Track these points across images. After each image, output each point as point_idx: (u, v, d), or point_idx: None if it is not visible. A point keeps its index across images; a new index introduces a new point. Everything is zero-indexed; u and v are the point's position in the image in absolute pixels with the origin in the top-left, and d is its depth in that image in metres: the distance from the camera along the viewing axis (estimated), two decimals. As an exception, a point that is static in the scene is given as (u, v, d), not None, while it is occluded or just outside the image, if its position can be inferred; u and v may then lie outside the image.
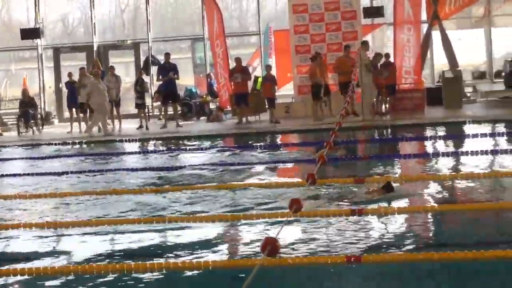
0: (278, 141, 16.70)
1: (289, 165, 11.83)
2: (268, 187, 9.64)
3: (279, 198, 8.81)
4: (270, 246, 3.74)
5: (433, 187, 9.16)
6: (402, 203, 8.41)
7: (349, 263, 6.14)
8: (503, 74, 21.02)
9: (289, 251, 6.68)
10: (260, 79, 20.91)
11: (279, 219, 7.08)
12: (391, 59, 19.75)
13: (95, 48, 24.22)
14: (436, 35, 21.65)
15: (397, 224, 7.75)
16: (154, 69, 22.45)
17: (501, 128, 15.84)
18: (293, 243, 6.95)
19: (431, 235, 7.45)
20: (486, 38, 23.40)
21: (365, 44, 18.97)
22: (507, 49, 22.76)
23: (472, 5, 22.82)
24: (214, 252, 6.90)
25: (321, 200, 8.77)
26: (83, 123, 19.86)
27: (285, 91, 22.43)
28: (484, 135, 14.16)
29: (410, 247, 6.76)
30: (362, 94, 18.05)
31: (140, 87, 20.01)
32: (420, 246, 6.81)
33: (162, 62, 20.86)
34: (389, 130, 16.78)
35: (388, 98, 19.28)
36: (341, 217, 7.82)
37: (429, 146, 13.59)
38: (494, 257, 6.04)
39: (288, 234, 7.22)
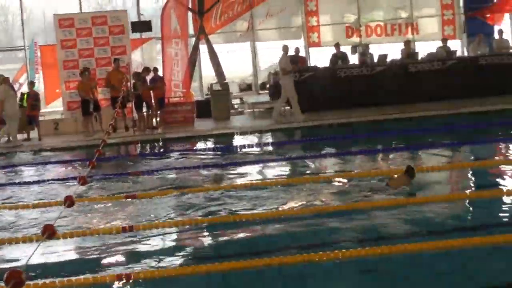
0: (44, 159, 16.00)
1: (53, 184, 11.48)
2: (26, 208, 9.35)
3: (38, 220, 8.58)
4: (14, 279, 3.52)
5: (204, 198, 9.34)
6: (176, 217, 8.50)
7: (119, 281, 6.11)
8: (267, 86, 21.93)
9: (58, 273, 6.49)
10: (26, 96, 20.17)
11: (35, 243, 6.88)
12: (160, 73, 19.90)
13: None
14: (203, 48, 22.18)
15: (169, 239, 7.79)
16: None
17: (267, 137, 16.55)
18: (59, 265, 6.77)
19: (203, 247, 7.52)
20: (251, 52, 24.35)
21: (284, 48, 18.87)
22: (271, 62, 23.76)
23: (237, 20, 23.66)
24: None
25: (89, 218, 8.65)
26: None
27: (54, 107, 21.84)
28: (250, 145, 14.76)
29: (182, 261, 6.83)
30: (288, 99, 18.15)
31: None
32: (192, 259, 6.90)
33: None
34: (160, 143, 16.89)
35: (158, 112, 19.41)
36: (111, 234, 7.76)
37: (198, 158, 13.80)
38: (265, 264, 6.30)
39: (55, 255, 7.05)
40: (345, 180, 9.94)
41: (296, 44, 22.37)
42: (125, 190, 10.28)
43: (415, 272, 6.12)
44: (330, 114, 18.19)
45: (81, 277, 6.32)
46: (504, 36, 21.59)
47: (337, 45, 20.97)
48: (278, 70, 20.26)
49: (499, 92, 19.19)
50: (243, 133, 17.04)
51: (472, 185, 9.57)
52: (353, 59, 21.12)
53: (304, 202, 8.73)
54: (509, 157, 11.75)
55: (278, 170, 11.69)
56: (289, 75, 18.27)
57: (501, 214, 7.90)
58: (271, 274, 6.25)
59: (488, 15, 23.67)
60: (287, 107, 20.12)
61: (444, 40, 21.65)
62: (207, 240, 7.65)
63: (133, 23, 21.20)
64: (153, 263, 6.77)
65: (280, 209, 8.50)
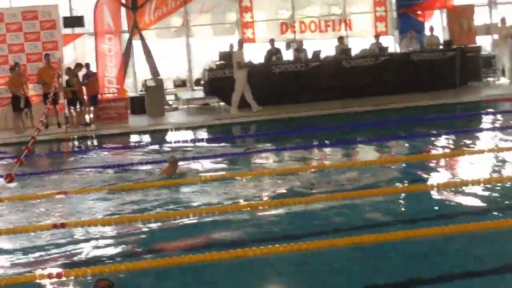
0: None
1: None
2: None
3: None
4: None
5: (139, 195, 9.28)
6: (109, 214, 8.43)
7: (50, 279, 6.02)
8: (202, 82, 21.85)
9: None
10: None
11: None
12: (93, 69, 19.65)
13: None
14: (137, 44, 21.98)
15: (102, 236, 7.69)
16: None
17: (202, 133, 16.53)
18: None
19: (136, 244, 7.41)
20: (186, 48, 24.21)
21: (239, 42, 19.05)
22: (205, 58, 23.67)
23: (171, 16, 23.49)
24: None
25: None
26: None
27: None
28: (185, 141, 14.72)
29: (115, 258, 6.76)
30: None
31: None
32: (125, 256, 6.84)
33: None
34: (94, 140, 16.69)
35: (91, 108, 19.18)
36: (42, 232, 7.65)
37: (132, 155, 13.66)
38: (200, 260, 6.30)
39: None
40: (280, 175, 10.00)
41: (231, 40, 22.32)
42: (56, 187, 10.12)
43: (352, 265, 6.21)
44: (264, 110, 18.28)
45: (10, 276, 6.21)
46: (435, 33, 22.01)
47: (271, 41, 21.03)
48: (210, 66, 20.23)
49: (429, 88, 19.60)
50: (178, 129, 16.98)
51: (403, 179, 9.70)
52: (288, 55, 21.22)
53: (237, 198, 8.75)
54: (439, 151, 11.99)
55: (213, 166, 11.66)
56: (243, 69, 18.34)
57: (429, 207, 8.06)
58: (206, 269, 6.25)
59: (419, 12, 24.12)
60: (222, 103, 20.16)
61: (377, 36, 21.96)
62: (141, 237, 7.58)
63: (65, 18, 20.86)
64: (85, 260, 6.70)
65: (215, 205, 8.50)
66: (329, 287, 5.76)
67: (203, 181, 10.01)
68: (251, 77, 18.89)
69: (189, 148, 13.67)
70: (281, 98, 19.22)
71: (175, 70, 24.43)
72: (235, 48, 19.40)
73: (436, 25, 23.34)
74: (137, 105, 20.19)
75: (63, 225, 7.76)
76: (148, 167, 11.63)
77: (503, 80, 21.75)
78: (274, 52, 20.61)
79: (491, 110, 16.83)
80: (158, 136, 16.38)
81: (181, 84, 24.01)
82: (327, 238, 6.77)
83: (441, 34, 23.53)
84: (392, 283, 5.70)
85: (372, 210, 7.91)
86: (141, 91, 21.65)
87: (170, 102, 21.89)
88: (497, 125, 14.77)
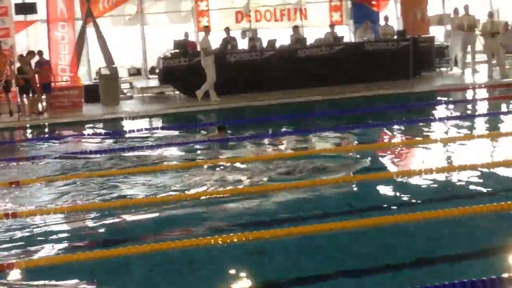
0: None
1: None
2: None
3: None
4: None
5: (93, 183, 9.20)
6: (63, 203, 8.34)
7: (2, 272, 5.94)
8: (157, 70, 21.73)
9: None
10: None
11: None
12: (47, 57, 19.40)
13: None
14: (91, 32, 21.73)
15: (55, 226, 7.60)
16: None
17: (157, 122, 16.45)
18: None
19: (91, 234, 7.34)
20: (141, 36, 24.03)
21: (205, 29, 19.12)
22: (160, 46, 23.53)
23: (125, 3, 23.27)
24: None
25: None
26: None
27: None
28: (140, 130, 14.64)
29: (68, 248, 6.70)
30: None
31: None
32: (78, 246, 6.77)
33: None
34: (47, 129, 16.48)
35: (44, 97, 18.92)
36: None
37: (86, 144, 13.52)
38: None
39: None
40: (236, 165, 10.00)
41: (186, 29, 22.25)
42: (8, 176, 9.98)
43: (305, 253, 6.24)
44: (220, 98, 18.26)
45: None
46: (389, 23, 22.17)
47: (227, 30, 20.97)
48: (165, 54, 20.11)
49: (383, 78, 19.76)
50: (132, 117, 16.87)
51: (356, 167, 9.77)
52: (243, 44, 21.20)
53: (194, 187, 8.73)
54: (392, 140, 12.11)
55: (170, 155, 11.60)
56: (210, 56, 18.24)
57: (383, 196, 8.15)
58: (160, 258, 6.22)
59: (374, 2, 24.29)
60: (177, 92, 20.07)
61: (332, 26, 22.04)
62: (95, 227, 7.51)
63: (16, 5, 20.53)
64: (38, 251, 6.61)
65: (172, 193, 8.47)
66: (282, 275, 5.78)
67: (161, 169, 9.97)
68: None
69: (146, 137, 13.60)
70: (236, 87, 19.19)
71: (130, 59, 24.23)
72: (193, 36, 19.33)
73: (391, 15, 23.55)
74: (91, 94, 19.96)
75: (14, 215, 7.65)
76: (103, 155, 11.53)
77: (456, 70, 22.07)
78: (229, 41, 20.57)
79: (444, 99, 17.07)
80: (113, 124, 16.25)
81: (135, 72, 23.85)
82: (281, 227, 6.79)
83: (396, 24, 23.75)
84: (343, 271, 5.74)
85: (327, 199, 7.96)
86: (95, 79, 21.44)
87: (125, 91, 21.73)
88: (449, 114, 15.00)
